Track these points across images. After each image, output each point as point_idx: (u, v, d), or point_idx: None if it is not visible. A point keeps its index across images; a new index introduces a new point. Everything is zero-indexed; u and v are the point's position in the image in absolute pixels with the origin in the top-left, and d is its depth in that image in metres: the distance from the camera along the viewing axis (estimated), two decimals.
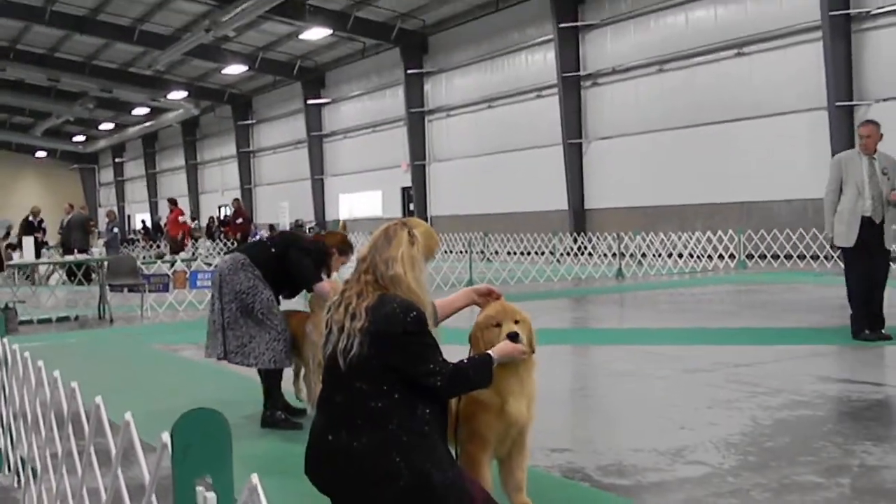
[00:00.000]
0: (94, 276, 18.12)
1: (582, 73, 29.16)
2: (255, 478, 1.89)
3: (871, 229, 9.06)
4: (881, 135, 9.28)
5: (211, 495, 2.06)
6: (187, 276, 15.14)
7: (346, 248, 6.79)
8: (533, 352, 4.11)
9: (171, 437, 2.06)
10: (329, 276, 6.66)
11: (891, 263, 9.46)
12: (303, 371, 6.91)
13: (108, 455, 3.56)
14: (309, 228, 36.00)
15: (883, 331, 9.22)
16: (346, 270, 5.45)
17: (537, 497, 4.29)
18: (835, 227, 9.12)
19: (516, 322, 4.09)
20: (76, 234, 22.15)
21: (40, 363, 4.02)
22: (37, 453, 4.24)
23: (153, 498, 2.49)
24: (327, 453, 3.64)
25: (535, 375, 4.21)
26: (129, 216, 63.56)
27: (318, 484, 3.72)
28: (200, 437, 2.08)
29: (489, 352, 3.90)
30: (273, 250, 6.55)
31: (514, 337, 3.97)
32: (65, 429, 3.44)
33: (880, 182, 9.11)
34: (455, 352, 4.04)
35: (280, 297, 6.66)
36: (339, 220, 38.96)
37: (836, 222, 9.11)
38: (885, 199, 9.07)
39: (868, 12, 21.20)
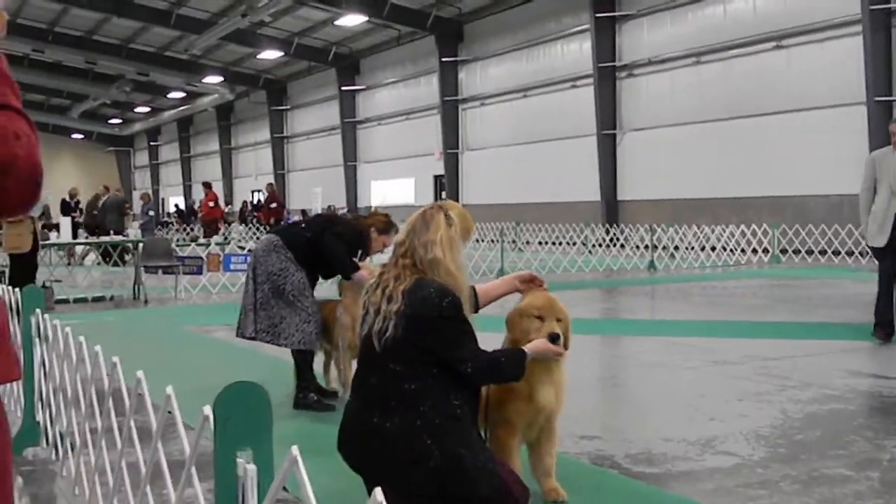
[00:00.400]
0: (127, 257, 18.33)
1: (618, 63, 29.02)
2: (295, 449, 1.94)
3: None
4: None
5: (251, 467, 2.12)
6: (221, 259, 15.28)
7: (386, 228, 6.67)
8: (566, 349, 4.15)
9: (213, 409, 2.11)
10: (366, 257, 6.68)
11: None
12: (334, 355, 6.99)
13: (147, 431, 3.64)
14: (341, 215, 36.12)
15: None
16: (386, 253, 5.50)
17: (566, 482, 4.33)
18: (868, 226, 8.87)
19: (558, 320, 4.12)
20: (111, 215, 22.37)
21: (81, 338, 4.10)
22: (76, 428, 4.33)
23: (193, 470, 2.55)
24: (361, 433, 3.70)
25: (565, 365, 4.25)
26: (163, 199, 64.08)
27: (351, 462, 3.78)
28: (242, 410, 2.13)
29: (524, 348, 3.94)
30: (308, 234, 6.61)
31: (555, 338, 4.01)
32: (105, 403, 3.52)
33: None
34: (491, 340, 4.09)
35: (316, 279, 6.72)
36: (370, 207, 39.07)
37: (871, 221, 8.88)
38: None
39: None
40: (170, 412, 2.98)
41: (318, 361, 6.91)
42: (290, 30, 38.76)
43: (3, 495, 1.63)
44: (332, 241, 6.44)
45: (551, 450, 4.33)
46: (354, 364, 6.38)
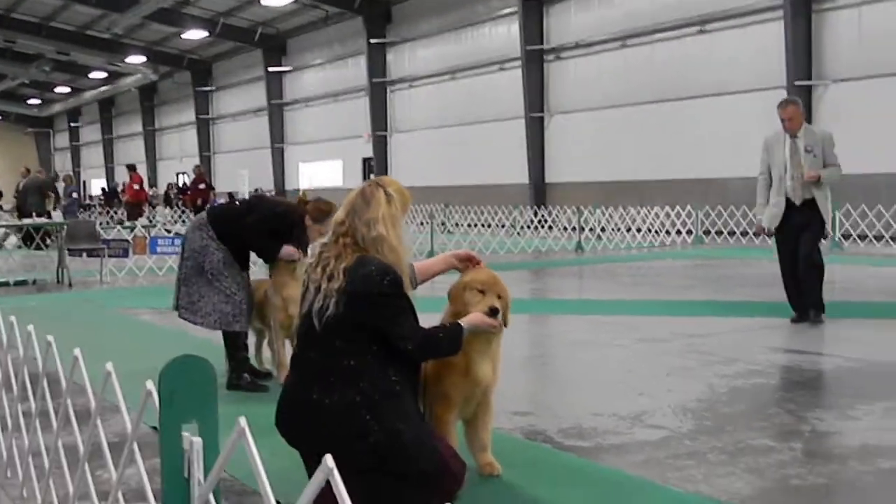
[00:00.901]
0: (49, 240, 17.96)
1: (545, 46, 29.21)
2: (242, 420, 1.96)
3: (795, 211, 8.78)
4: (802, 113, 9.03)
5: (197, 440, 2.14)
6: (147, 241, 15.07)
7: (320, 217, 6.44)
8: (506, 326, 4.22)
9: (159, 382, 2.12)
10: (300, 244, 6.63)
11: (817, 245, 8.91)
12: (267, 335, 6.97)
13: (79, 414, 3.60)
14: (271, 197, 35.77)
15: (815, 316, 8.84)
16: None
17: (501, 457, 4.40)
18: (763, 210, 8.95)
19: (499, 297, 4.19)
20: (32, 198, 21.86)
21: (12, 318, 4.05)
22: (7, 410, 4.27)
23: (135, 446, 2.56)
24: (300, 409, 3.72)
25: (501, 341, 4.32)
26: (84, 182, 62.76)
27: (290, 438, 3.80)
28: (187, 384, 2.15)
29: (461, 321, 4.00)
30: (236, 213, 6.60)
31: (494, 312, 4.08)
32: (40, 384, 3.48)
33: (803, 160, 8.77)
34: (430, 319, 4.13)
35: (247, 258, 6.67)
36: (298, 190, 38.78)
37: (766, 205, 8.94)
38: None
39: None
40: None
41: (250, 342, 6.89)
42: (216, 9, 38.20)
43: None
44: (252, 227, 6.41)
45: (487, 424, 4.40)
46: (288, 344, 6.44)
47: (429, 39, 33.95)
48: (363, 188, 4.02)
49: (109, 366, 2.70)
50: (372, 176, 36.28)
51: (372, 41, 35.64)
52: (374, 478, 3.64)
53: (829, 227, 9.38)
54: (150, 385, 2.43)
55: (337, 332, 3.74)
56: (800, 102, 9.12)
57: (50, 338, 3.34)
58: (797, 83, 21.56)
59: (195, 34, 40.56)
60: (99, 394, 2.78)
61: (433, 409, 4.26)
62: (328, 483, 3.33)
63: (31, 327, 3.61)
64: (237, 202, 7.07)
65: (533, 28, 29.18)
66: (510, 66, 30.23)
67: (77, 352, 3.01)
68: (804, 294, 8.88)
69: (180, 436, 2.15)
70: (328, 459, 1.72)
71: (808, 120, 22.52)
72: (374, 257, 3.81)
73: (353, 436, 3.63)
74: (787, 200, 8.80)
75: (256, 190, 37.43)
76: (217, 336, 6.72)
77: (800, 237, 8.78)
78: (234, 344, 6.49)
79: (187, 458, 2.15)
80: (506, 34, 30.56)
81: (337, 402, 3.66)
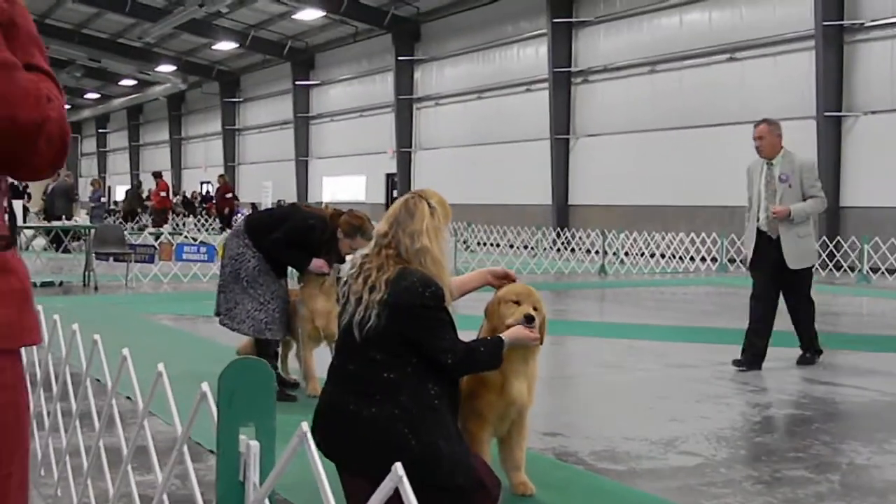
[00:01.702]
0: (74, 243, 18.04)
1: (573, 69, 29.22)
2: (304, 425, 1.94)
3: (768, 246, 7.86)
4: (779, 136, 8.02)
5: (255, 443, 2.11)
6: (173, 248, 15.12)
7: (352, 232, 6.38)
8: (541, 342, 4.19)
9: (219, 383, 2.10)
10: (331, 258, 6.61)
11: (809, 282, 8.12)
12: (295, 346, 6.96)
13: (109, 417, 3.58)
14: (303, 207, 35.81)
15: (811, 358, 8.15)
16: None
17: (534, 477, 4.37)
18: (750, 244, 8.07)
19: (535, 309, 4.16)
20: (59, 201, 22.01)
21: (56, 317, 4.05)
22: (44, 409, 4.26)
23: (184, 447, 2.54)
24: (337, 420, 3.70)
25: (538, 359, 4.29)
26: (109, 188, 63.13)
27: (326, 449, 3.77)
28: (246, 386, 2.13)
29: (501, 336, 3.96)
30: (270, 222, 6.63)
31: (529, 319, 4.04)
32: (83, 384, 3.47)
33: (777, 190, 7.86)
34: (464, 337, 4.10)
35: (285, 267, 6.68)
36: (321, 203, 38.89)
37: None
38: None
39: (861, 24, 21.35)
40: (129, 398, 2.96)
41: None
42: (247, 21, 38.44)
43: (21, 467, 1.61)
44: (279, 239, 6.43)
45: (521, 443, 4.36)
46: (317, 354, 6.43)
47: (457, 58, 34.02)
48: (406, 200, 4.00)
49: (161, 367, 2.68)
50: (395, 192, 36.35)
51: (400, 58, 35.74)
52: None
53: (815, 263, 8.50)
54: (206, 387, 2.42)
55: (377, 345, 3.71)
56: (777, 123, 8.11)
57: (96, 336, 3.33)
58: (827, 114, 21.45)
59: (225, 45, 40.82)
60: (151, 394, 2.76)
61: (467, 427, 4.23)
62: (368, 491, 3.30)
63: (76, 326, 3.61)
64: (274, 208, 7.10)
65: (561, 50, 29.19)
66: (537, 88, 30.24)
67: (125, 352, 2.99)
68: (800, 332, 8.18)
69: (237, 438, 2.13)
70: (398, 468, 1.69)
71: (837, 152, 22.50)
72: (417, 269, 3.80)
73: (391, 449, 3.60)
74: (761, 234, 7.92)
75: (279, 202, 37.53)
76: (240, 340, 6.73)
77: (779, 276, 7.82)
78: (265, 352, 6.48)
79: (243, 462, 2.13)
80: (534, 55, 30.59)
81: (376, 415, 3.64)
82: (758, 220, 7.93)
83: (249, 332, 6.47)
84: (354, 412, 3.66)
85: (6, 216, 1.63)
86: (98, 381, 3.61)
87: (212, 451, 4.77)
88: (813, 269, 8.19)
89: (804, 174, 7.91)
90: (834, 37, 21.57)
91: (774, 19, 23.21)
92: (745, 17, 24.07)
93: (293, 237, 6.47)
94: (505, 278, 4.41)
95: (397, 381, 3.68)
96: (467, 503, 3.69)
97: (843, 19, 21.50)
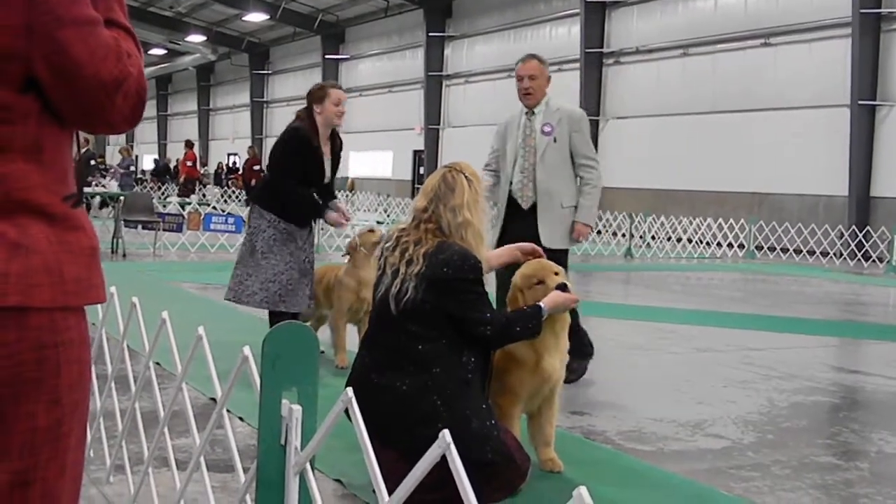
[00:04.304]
0: (103, 210, 18.16)
1: (605, 50, 29.03)
2: (349, 391, 1.94)
3: (520, 220, 6.19)
4: (549, 79, 6.33)
5: (297, 407, 2.12)
6: (202, 217, 15.19)
7: (320, 95, 6.65)
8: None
9: (263, 347, 2.10)
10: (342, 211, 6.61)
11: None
12: (328, 319, 6.90)
13: (131, 378, 3.61)
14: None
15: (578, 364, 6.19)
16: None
17: (563, 455, 4.37)
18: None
19: (556, 274, 4.15)
20: (87, 168, 22.12)
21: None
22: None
23: (224, 412, 2.55)
24: (369, 390, 3.71)
25: (567, 333, 4.28)
26: (136, 157, 63.38)
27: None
28: (290, 350, 2.13)
29: (539, 303, 3.96)
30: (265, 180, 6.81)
31: (563, 287, 4.04)
32: (121, 346, 3.49)
33: (538, 146, 6.16)
34: None
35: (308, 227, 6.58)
36: (347, 178, 38.92)
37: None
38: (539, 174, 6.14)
39: None
40: (158, 363, 2.98)
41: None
42: None
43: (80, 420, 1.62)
44: (273, 175, 6.52)
45: (551, 419, 4.36)
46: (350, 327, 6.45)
47: (488, 36, 33.87)
48: (444, 174, 3.99)
49: (201, 329, 2.70)
50: (422, 169, 36.32)
51: (431, 34, 35.61)
52: (438, 463, 3.61)
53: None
54: (248, 350, 2.43)
55: (413, 317, 3.72)
56: (546, 61, 6.37)
57: (134, 299, 3.35)
58: (861, 102, 21.22)
59: (256, 17, 40.82)
60: (189, 357, 2.78)
61: (498, 402, 4.23)
62: (396, 462, 3.31)
63: (113, 288, 3.63)
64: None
65: (594, 31, 28.99)
66: (568, 68, 30.03)
67: (165, 315, 3.01)
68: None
69: (279, 402, 2.14)
70: (446, 434, 1.69)
71: (869, 141, 22.27)
72: (455, 243, 3.80)
73: (422, 420, 3.61)
74: (509, 201, 6.29)
75: None
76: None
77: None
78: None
79: (285, 425, 2.14)
80: (566, 35, 30.40)
81: (408, 386, 3.65)
82: (511, 184, 6.26)
83: (262, 305, 6.30)
84: (387, 384, 3.67)
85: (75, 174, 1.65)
86: (128, 346, 3.63)
87: (241, 418, 4.81)
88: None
89: (573, 130, 6.18)
90: (871, 25, 21.31)
91: (811, 5, 22.94)
92: (781, 2, 23.80)
93: (285, 162, 6.40)
94: (532, 254, 4.41)
95: (431, 354, 3.69)
96: (496, 477, 3.70)
97: (880, 7, 21.23)
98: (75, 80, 1.51)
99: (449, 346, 3.72)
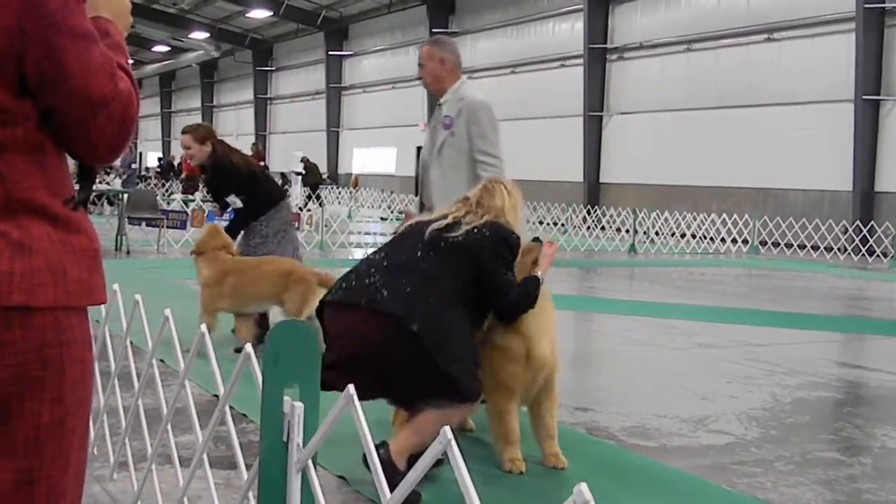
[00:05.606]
0: (105, 207, 18.18)
1: (609, 45, 28.98)
2: (351, 388, 1.95)
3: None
4: (449, 62, 5.29)
5: (298, 404, 2.13)
6: (206, 214, 15.18)
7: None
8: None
9: (265, 344, 2.11)
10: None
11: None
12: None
13: (127, 376, 3.61)
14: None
15: None
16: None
17: (566, 450, 4.37)
18: None
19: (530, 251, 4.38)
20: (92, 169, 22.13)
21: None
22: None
23: (227, 408, 2.56)
24: (361, 295, 3.78)
25: (553, 316, 4.34)
26: (140, 154, 63.46)
27: (341, 302, 3.85)
28: (291, 348, 2.14)
29: (534, 273, 4.19)
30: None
31: (537, 240, 4.37)
32: (124, 343, 3.50)
33: (437, 141, 5.28)
34: None
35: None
36: (351, 174, 38.92)
37: None
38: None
39: None
40: (162, 360, 2.98)
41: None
42: None
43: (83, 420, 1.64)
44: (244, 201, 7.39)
45: (552, 409, 4.35)
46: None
47: (491, 32, 33.82)
48: (485, 184, 4.33)
49: (204, 327, 2.70)
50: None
51: (434, 30, 35.54)
52: (409, 364, 3.69)
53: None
54: (249, 347, 2.43)
55: (440, 251, 3.90)
56: (449, 44, 5.51)
57: (138, 296, 3.36)
58: (865, 97, 21.17)
59: (259, 13, 40.80)
60: (193, 352, 2.79)
61: (495, 400, 4.24)
62: (350, 367, 3.40)
63: (116, 286, 3.64)
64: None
65: (597, 26, 28.93)
66: (571, 64, 30.02)
67: (168, 312, 3.02)
68: None
69: (281, 399, 2.14)
70: (447, 432, 1.68)
71: (874, 136, 22.27)
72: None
73: (405, 319, 3.65)
74: (424, 209, 5.34)
75: (303, 159, 37.05)
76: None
77: None
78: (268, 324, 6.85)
79: (286, 422, 2.14)
80: (569, 31, 30.36)
81: (398, 298, 3.73)
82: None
83: None
84: (381, 298, 3.73)
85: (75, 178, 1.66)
86: (131, 343, 3.63)
87: (244, 415, 4.82)
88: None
89: (470, 122, 5.18)
90: (875, 19, 21.26)
91: (814, 0, 22.89)
92: None
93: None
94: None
95: (433, 279, 3.81)
96: (457, 396, 3.77)
97: (884, 2, 21.18)
98: (62, 89, 1.51)
99: (451, 292, 3.85)
